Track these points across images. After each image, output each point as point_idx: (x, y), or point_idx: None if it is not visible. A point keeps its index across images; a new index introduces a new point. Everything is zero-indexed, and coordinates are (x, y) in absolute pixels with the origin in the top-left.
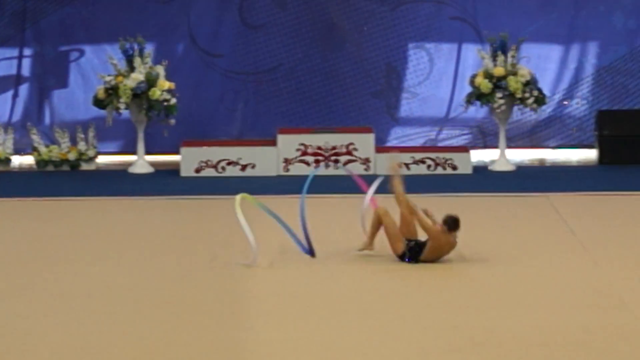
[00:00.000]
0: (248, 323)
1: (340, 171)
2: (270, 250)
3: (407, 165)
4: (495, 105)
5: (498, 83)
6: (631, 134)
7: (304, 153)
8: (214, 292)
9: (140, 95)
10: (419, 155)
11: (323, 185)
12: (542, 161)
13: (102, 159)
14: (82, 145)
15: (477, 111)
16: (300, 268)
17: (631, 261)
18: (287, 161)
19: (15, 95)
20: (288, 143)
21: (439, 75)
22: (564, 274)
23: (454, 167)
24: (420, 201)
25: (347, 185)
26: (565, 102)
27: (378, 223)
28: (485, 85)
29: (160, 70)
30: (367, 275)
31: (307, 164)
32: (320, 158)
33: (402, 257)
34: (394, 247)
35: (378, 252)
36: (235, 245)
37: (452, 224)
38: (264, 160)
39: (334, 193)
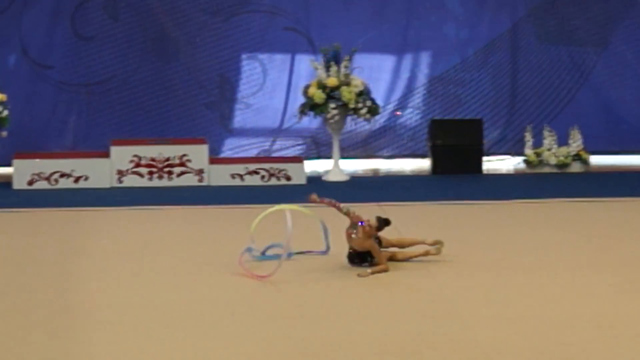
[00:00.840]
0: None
1: (174, 182)
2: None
3: (241, 176)
4: (329, 115)
5: (331, 93)
6: (463, 144)
7: (138, 164)
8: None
9: None
10: (252, 166)
11: (158, 197)
12: (375, 171)
13: None
14: None
15: (311, 121)
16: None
17: (464, 269)
18: (120, 173)
19: None
20: (121, 154)
21: (272, 86)
22: (397, 282)
23: (288, 178)
24: (257, 212)
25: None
26: (398, 112)
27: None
28: (318, 95)
29: None
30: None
31: (141, 175)
32: (153, 170)
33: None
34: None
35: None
36: (68, 256)
37: (381, 224)
38: (97, 172)
39: (167, 204)
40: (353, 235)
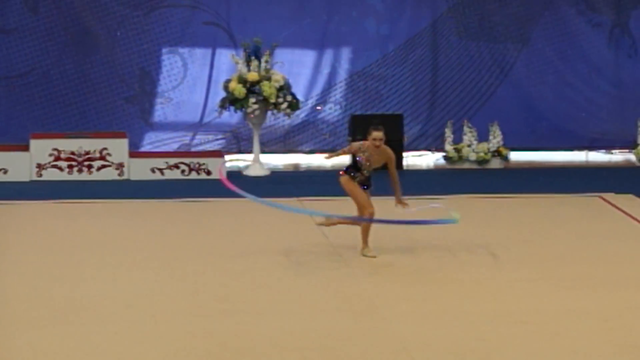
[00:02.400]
0: None
1: (94, 176)
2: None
3: (161, 170)
4: (249, 110)
5: (252, 88)
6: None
7: (57, 158)
8: None
9: None
10: (173, 160)
11: (78, 191)
12: (296, 166)
13: None
14: None
15: (231, 116)
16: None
17: (382, 266)
18: (40, 166)
19: None
20: (41, 148)
21: (192, 80)
22: (316, 278)
23: (208, 172)
24: (176, 207)
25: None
26: (319, 107)
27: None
28: (239, 90)
29: None
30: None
31: (61, 169)
32: (73, 163)
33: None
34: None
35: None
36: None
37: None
38: (17, 166)
39: (87, 198)
40: (366, 157)
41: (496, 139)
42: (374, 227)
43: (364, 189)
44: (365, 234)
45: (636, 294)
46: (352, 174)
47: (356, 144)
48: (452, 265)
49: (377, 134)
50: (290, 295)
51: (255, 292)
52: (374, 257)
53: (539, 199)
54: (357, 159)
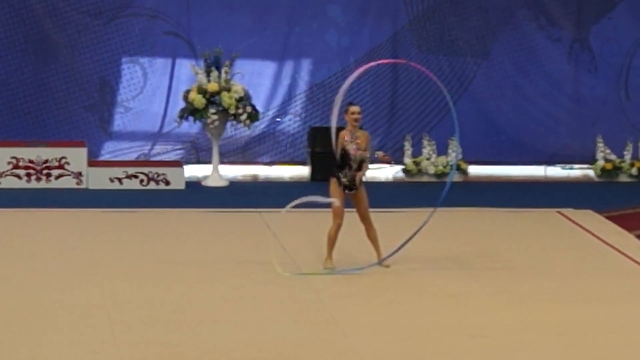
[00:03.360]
0: None
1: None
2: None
3: (119, 179)
4: (209, 120)
5: (212, 99)
6: None
7: (16, 166)
8: None
9: None
10: (131, 170)
11: (36, 199)
12: (255, 177)
13: None
14: None
15: (191, 126)
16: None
17: (341, 278)
18: None
19: None
20: None
21: (152, 90)
22: (274, 289)
23: (167, 182)
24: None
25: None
26: (278, 119)
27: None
28: (198, 100)
29: None
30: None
31: (19, 177)
32: (32, 172)
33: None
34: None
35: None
36: None
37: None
38: None
39: (45, 207)
40: (357, 145)
41: (455, 152)
42: (339, 239)
43: (349, 191)
44: (330, 245)
45: (592, 308)
46: (338, 176)
47: (342, 132)
48: (410, 278)
49: (355, 108)
50: (247, 305)
51: (212, 302)
52: (333, 268)
53: (497, 213)
54: (350, 151)
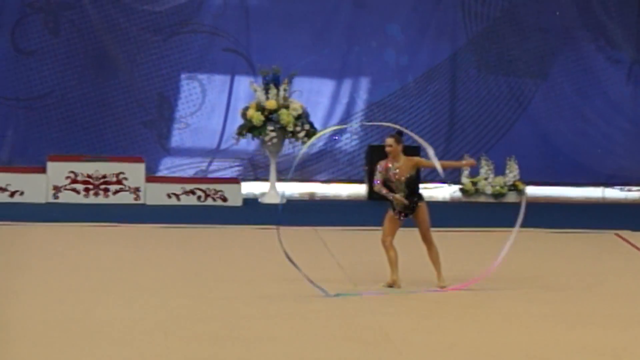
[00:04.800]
0: None
1: (110, 199)
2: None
3: (177, 195)
4: (267, 138)
5: (270, 116)
6: None
7: (74, 181)
8: None
9: None
10: (189, 186)
11: (93, 214)
12: (312, 195)
13: None
14: None
15: (249, 143)
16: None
17: (396, 297)
18: (56, 188)
19: None
20: (58, 170)
21: (211, 106)
22: (330, 307)
23: (224, 199)
24: (191, 232)
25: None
26: (336, 137)
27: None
28: (257, 117)
29: None
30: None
31: (77, 192)
32: (90, 186)
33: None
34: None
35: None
36: (1, 271)
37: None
38: (33, 187)
39: (102, 221)
40: (396, 170)
41: (512, 172)
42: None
43: (406, 215)
44: (390, 264)
45: None
46: (392, 207)
47: (382, 162)
48: (466, 298)
49: (386, 140)
50: (301, 322)
51: (268, 319)
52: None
53: (554, 234)
54: (390, 177)
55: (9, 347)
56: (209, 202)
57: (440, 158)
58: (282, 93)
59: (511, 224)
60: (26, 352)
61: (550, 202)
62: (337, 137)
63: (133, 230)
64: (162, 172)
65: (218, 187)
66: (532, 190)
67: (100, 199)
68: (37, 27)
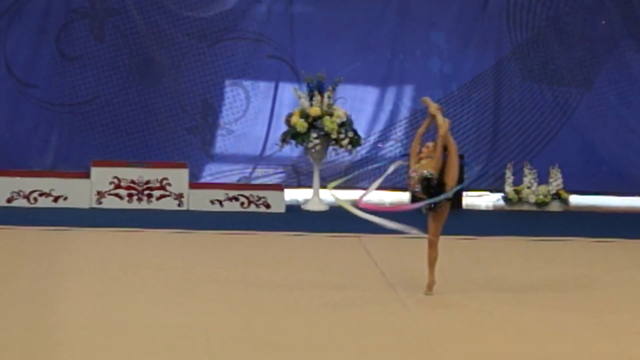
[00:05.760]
0: None
1: (153, 205)
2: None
3: (220, 202)
4: (310, 145)
5: (314, 123)
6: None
7: (117, 186)
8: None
9: None
10: (232, 193)
11: (136, 219)
12: (355, 202)
13: None
14: None
15: (292, 150)
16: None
17: (440, 305)
18: (99, 194)
19: None
20: (101, 176)
21: (255, 113)
22: (372, 315)
23: (268, 206)
24: (234, 239)
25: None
26: (380, 144)
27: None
28: (300, 124)
29: None
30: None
31: (120, 197)
32: (133, 192)
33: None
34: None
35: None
36: (45, 276)
37: None
38: (77, 192)
39: (146, 227)
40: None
41: (556, 181)
42: (438, 265)
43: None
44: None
45: None
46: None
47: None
48: (509, 306)
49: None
50: (343, 331)
51: (308, 327)
52: (430, 294)
53: (599, 244)
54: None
55: (54, 353)
56: (252, 208)
57: (484, 167)
58: (326, 100)
59: (555, 233)
60: (70, 358)
61: (595, 211)
62: (381, 145)
63: (176, 236)
64: (206, 179)
65: (261, 193)
66: (576, 200)
67: (144, 205)
68: (82, 33)
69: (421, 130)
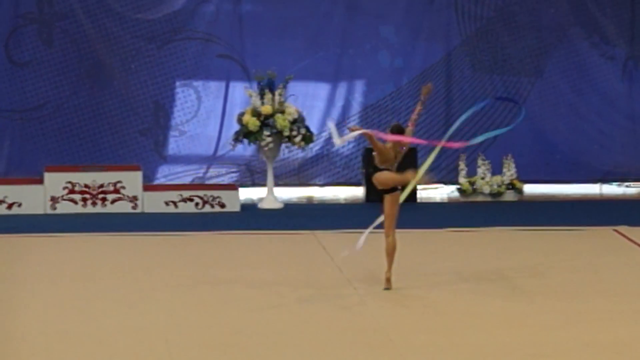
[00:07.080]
0: None
1: (108, 209)
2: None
3: (175, 203)
4: (263, 143)
5: (266, 121)
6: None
7: (71, 191)
8: None
9: None
10: (187, 193)
11: (91, 224)
12: (309, 199)
13: None
14: None
15: (245, 149)
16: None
17: (397, 298)
18: (54, 199)
19: None
20: (55, 181)
21: (206, 113)
22: (332, 312)
23: (222, 205)
24: (190, 240)
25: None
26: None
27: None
28: (253, 123)
29: None
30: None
31: (75, 202)
32: (87, 196)
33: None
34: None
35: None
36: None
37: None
38: (31, 199)
39: (101, 231)
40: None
41: (510, 171)
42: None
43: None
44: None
45: None
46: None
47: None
48: (467, 297)
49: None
50: (303, 327)
51: (268, 325)
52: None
53: (553, 232)
54: None
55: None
56: (207, 208)
57: (437, 158)
58: (277, 98)
59: (510, 223)
60: None
61: (548, 200)
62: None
63: (132, 239)
64: (160, 180)
65: (216, 193)
66: (529, 189)
67: (98, 209)
68: (31, 38)
69: (414, 116)
